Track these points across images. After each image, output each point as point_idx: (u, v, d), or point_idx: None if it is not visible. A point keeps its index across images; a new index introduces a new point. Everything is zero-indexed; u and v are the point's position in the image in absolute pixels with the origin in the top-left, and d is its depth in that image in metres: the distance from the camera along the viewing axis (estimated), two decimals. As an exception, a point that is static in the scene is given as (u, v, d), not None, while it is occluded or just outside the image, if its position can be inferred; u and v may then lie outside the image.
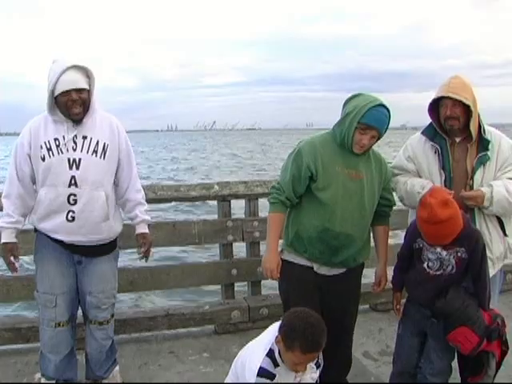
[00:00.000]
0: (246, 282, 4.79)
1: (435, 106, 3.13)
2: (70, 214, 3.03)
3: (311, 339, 2.32)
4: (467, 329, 2.74)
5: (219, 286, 4.74)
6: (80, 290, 3.26)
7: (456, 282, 2.82)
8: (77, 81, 2.98)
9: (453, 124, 3.04)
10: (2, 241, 3.12)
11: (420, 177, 3.26)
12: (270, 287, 5.39)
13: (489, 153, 3.07)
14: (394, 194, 3.32)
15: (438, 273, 2.82)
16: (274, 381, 2.41)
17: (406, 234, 3.05)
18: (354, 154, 2.96)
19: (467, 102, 2.97)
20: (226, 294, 4.66)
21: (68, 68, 2.95)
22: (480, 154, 3.07)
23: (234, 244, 4.64)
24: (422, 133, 3.24)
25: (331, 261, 3.02)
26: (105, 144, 3.12)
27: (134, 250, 3.51)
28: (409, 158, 3.30)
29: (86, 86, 3.04)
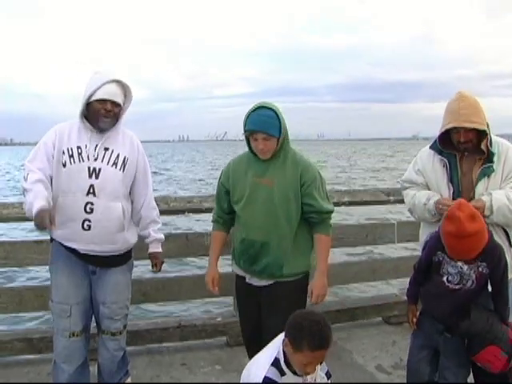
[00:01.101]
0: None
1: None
2: (86, 222, 3.05)
3: (318, 336, 2.32)
4: (495, 347, 2.70)
5: (231, 298, 4.74)
6: (94, 300, 3.27)
7: (474, 298, 2.78)
8: (116, 94, 3.11)
9: (467, 147, 3.05)
10: (38, 207, 2.89)
11: (429, 189, 3.25)
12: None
13: (494, 165, 3.06)
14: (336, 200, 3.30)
15: (457, 287, 2.76)
16: None
17: (424, 247, 2.99)
18: (264, 161, 3.04)
19: (480, 128, 2.98)
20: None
21: (112, 80, 3.09)
22: (484, 166, 3.07)
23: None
24: (431, 147, 3.25)
25: (253, 269, 3.12)
26: (125, 157, 3.18)
27: (146, 261, 3.51)
28: (418, 171, 3.32)
29: (122, 103, 3.17)
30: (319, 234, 3.10)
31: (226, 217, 3.28)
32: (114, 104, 3.11)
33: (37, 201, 2.91)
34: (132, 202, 3.31)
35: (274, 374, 2.42)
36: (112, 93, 3.09)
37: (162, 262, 3.51)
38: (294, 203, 3.02)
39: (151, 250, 3.46)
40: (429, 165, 3.24)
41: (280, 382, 2.40)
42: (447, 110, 3.06)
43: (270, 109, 2.94)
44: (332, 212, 3.13)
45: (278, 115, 2.94)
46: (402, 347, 4.14)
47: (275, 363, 2.45)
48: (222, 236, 3.35)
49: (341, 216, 11.74)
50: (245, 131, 2.98)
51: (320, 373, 2.51)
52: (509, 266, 3.11)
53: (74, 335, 3.18)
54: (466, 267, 2.74)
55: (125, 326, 3.38)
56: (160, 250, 3.49)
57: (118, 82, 3.13)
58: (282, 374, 2.42)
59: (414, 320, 3.10)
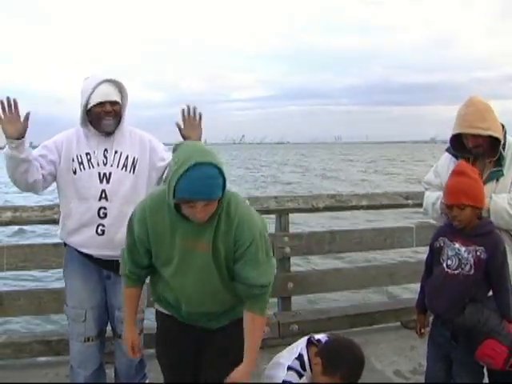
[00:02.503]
0: (276, 298, 4.76)
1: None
2: (100, 227, 3.05)
3: (355, 371, 2.38)
4: (493, 340, 2.66)
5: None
6: (109, 304, 3.27)
7: (472, 288, 2.72)
8: (111, 93, 3.07)
9: (478, 151, 3.05)
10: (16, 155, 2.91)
11: None
12: (301, 303, 5.36)
13: (504, 169, 3.05)
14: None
15: (456, 272, 2.73)
16: (303, 379, 2.45)
17: (430, 241, 2.99)
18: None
19: (484, 134, 2.95)
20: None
21: (103, 81, 3.05)
22: (492, 170, 3.06)
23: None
24: (447, 150, 3.29)
25: (195, 322, 2.56)
26: (134, 158, 3.15)
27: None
28: (436, 172, 3.36)
29: (119, 100, 3.12)
30: (251, 313, 2.39)
31: (142, 272, 2.56)
32: (112, 103, 3.07)
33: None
34: None
35: (296, 366, 2.51)
36: (107, 93, 3.05)
37: None
38: (228, 270, 2.40)
39: None
40: (444, 167, 3.26)
41: (304, 374, 2.47)
42: (457, 115, 3.09)
43: (211, 164, 2.10)
44: (268, 286, 2.38)
45: (220, 170, 2.14)
46: (421, 352, 4.09)
47: (299, 358, 2.55)
48: (137, 292, 2.63)
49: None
50: (173, 197, 2.14)
51: None
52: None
53: (88, 340, 3.19)
54: (463, 249, 2.72)
55: (141, 330, 3.32)
56: None
57: (109, 81, 3.09)
58: (304, 369, 2.50)
59: (422, 330, 3.06)
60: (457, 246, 2.75)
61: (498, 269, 2.71)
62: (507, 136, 3.10)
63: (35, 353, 4.09)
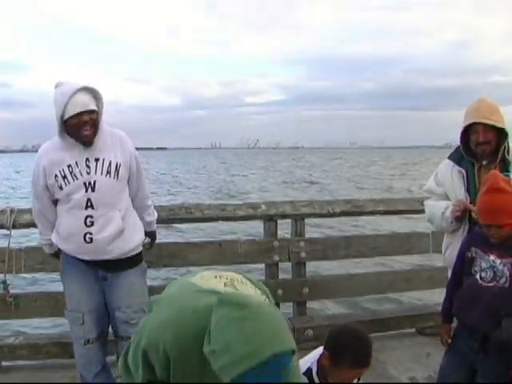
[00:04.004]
0: (291, 303, 4.76)
1: (464, 132, 3.15)
2: (88, 235, 3.08)
3: (361, 355, 2.29)
4: None
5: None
6: (109, 306, 3.30)
7: (507, 301, 2.64)
8: (87, 103, 2.99)
9: (484, 149, 3.06)
10: (48, 251, 3.41)
11: (448, 200, 3.27)
12: (316, 309, 5.35)
13: (511, 174, 3.04)
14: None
15: (491, 284, 2.65)
16: None
17: (458, 252, 2.93)
18: None
19: (499, 125, 3.00)
20: (271, 314, 4.62)
21: (78, 90, 2.96)
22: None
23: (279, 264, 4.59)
24: (449, 157, 3.29)
25: None
26: (117, 164, 3.17)
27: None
28: (438, 181, 3.36)
29: (96, 108, 3.05)
30: None
31: None
32: (90, 112, 3.00)
33: (44, 248, 3.42)
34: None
35: None
36: (83, 103, 2.97)
37: (154, 240, 3.71)
38: None
39: (147, 229, 3.52)
40: (447, 175, 3.27)
41: None
42: (467, 110, 3.13)
43: (288, 352, 1.57)
44: None
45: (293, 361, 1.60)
46: (437, 359, 4.04)
47: (307, 372, 2.44)
48: None
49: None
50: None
51: None
52: None
53: (88, 342, 3.23)
54: (498, 262, 2.63)
55: None
56: (153, 228, 3.64)
57: (84, 89, 3.00)
58: None
59: (449, 341, 2.97)
60: (492, 258, 2.66)
61: None
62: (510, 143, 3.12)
63: (51, 355, 4.14)
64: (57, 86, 3.04)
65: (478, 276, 2.70)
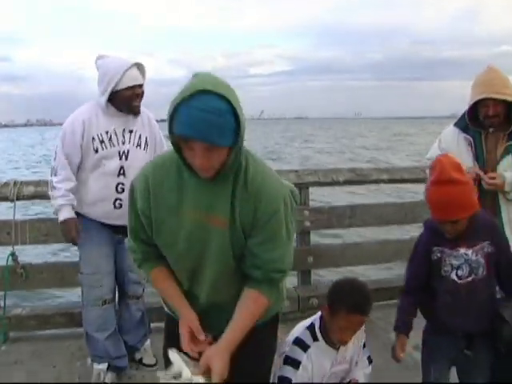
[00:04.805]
0: (295, 272, 4.78)
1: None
2: (118, 201, 3.26)
3: (357, 299, 2.33)
4: None
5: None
6: (120, 268, 3.50)
7: (491, 289, 2.50)
8: (139, 77, 3.28)
9: (494, 121, 3.02)
10: (64, 217, 3.27)
11: None
12: (321, 277, 5.36)
13: None
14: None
15: (470, 279, 2.41)
16: (309, 353, 2.40)
17: (414, 253, 2.61)
18: (206, 184, 1.82)
19: (510, 99, 2.95)
20: (276, 283, 4.65)
21: (132, 65, 3.24)
22: (508, 143, 3.04)
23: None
24: (455, 124, 3.24)
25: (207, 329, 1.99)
26: (146, 138, 3.40)
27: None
28: (443, 149, 3.25)
29: (143, 82, 3.32)
30: (257, 292, 1.93)
31: (156, 250, 2.03)
32: (140, 86, 3.28)
33: (62, 212, 3.26)
34: None
35: (306, 337, 2.45)
36: (136, 77, 3.25)
37: None
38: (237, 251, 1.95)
39: None
40: (453, 143, 3.21)
41: (309, 344, 2.42)
42: (477, 82, 3.05)
43: (219, 95, 1.63)
44: (286, 272, 1.99)
45: (233, 106, 1.66)
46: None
47: (310, 327, 2.49)
48: (166, 272, 2.05)
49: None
50: (170, 133, 1.72)
51: (355, 349, 2.51)
52: None
53: (105, 303, 3.38)
54: (470, 252, 2.40)
55: (143, 289, 3.66)
56: None
57: (136, 64, 3.28)
58: (315, 339, 2.44)
59: (402, 356, 2.52)
60: (462, 251, 2.41)
61: (507, 253, 2.51)
62: None
63: (59, 325, 4.21)
64: (100, 58, 3.29)
65: (453, 276, 2.43)
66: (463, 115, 3.18)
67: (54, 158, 3.29)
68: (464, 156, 3.10)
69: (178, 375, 1.77)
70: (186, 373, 1.76)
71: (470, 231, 2.39)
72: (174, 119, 1.65)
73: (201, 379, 1.75)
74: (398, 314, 2.61)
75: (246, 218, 1.85)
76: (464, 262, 2.40)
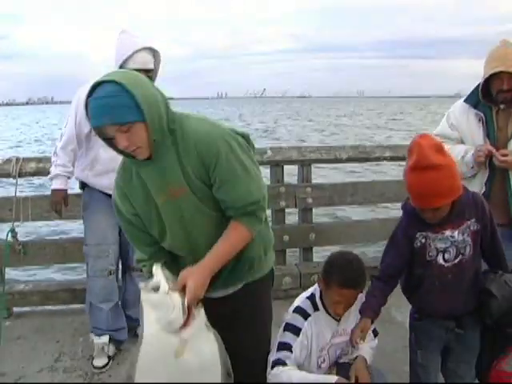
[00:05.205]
0: (297, 249, 4.79)
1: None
2: None
3: (348, 274, 2.35)
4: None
5: (271, 252, 4.75)
6: (123, 240, 3.48)
7: (477, 266, 2.40)
8: (147, 62, 3.25)
9: (506, 96, 2.94)
10: (56, 187, 3.38)
11: (463, 144, 3.14)
12: (322, 254, 5.37)
13: None
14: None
15: (457, 260, 2.31)
16: (309, 321, 2.44)
17: (392, 240, 2.48)
18: (153, 164, 1.95)
19: None
20: (278, 260, 4.65)
21: (142, 49, 3.22)
22: None
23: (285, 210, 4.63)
24: (465, 100, 3.15)
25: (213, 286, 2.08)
26: None
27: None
28: (452, 125, 3.20)
29: (152, 67, 3.30)
30: (237, 222, 2.03)
31: (159, 251, 2.17)
32: (147, 71, 3.18)
33: (56, 181, 3.38)
34: None
35: (306, 306, 2.49)
36: (144, 61, 3.22)
37: None
38: (209, 201, 2.05)
39: None
40: (463, 119, 3.14)
41: (310, 312, 2.45)
42: (492, 55, 2.99)
43: (110, 82, 1.81)
44: (260, 201, 2.03)
45: (126, 88, 1.80)
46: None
47: (311, 297, 2.53)
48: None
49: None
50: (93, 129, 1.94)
51: (356, 322, 2.50)
52: None
53: (111, 273, 3.44)
54: (456, 233, 2.28)
55: None
56: None
57: (147, 49, 3.25)
58: (316, 308, 2.48)
59: (359, 340, 2.39)
60: (448, 233, 2.28)
61: (494, 232, 2.40)
62: None
63: (61, 301, 4.23)
64: (121, 33, 3.29)
65: (440, 261, 2.32)
66: (474, 91, 3.10)
67: (65, 125, 3.36)
68: (475, 132, 3.07)
69: (157, 288, 1.86)
70: (164, 287, 1.86)
71: (454, 212, 2.26)
72: (90, 118, 1.86)
73: (177, 295, 1.85)
74: (367, 301, 2.46)
75: (199, 172, 1.96)
76: (451, 245, 2.29)
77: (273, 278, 2.45)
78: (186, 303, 1.85)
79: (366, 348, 2.54)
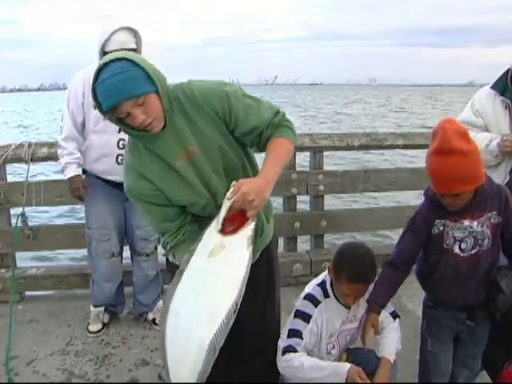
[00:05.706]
0: (308, 236, 4.78)
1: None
2: (120, 157, 3.31)
3: (357, 269, 2.33)
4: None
5: (282, 239, 4.74)
6: (129, 225, 3.66)
7: (495, 259, 2.36)
8: (127, 41, 3.23)
9: None
10: (71, 175, 3.43)
11: (488, 132, 3.07)
12: (333, 241, 5.35)
13: None
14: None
15: (474, 251, 2.27)
16: (320, 308, 2.44)
17: (411, 224, 2.42)
18: (166, 134, 1.97)
19: None
20: (289, 246, 4.67)
21: (119, 29, 3.21)
22: None
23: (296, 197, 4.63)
24: (492, 87, 3.07)
25: None
26: None
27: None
28: (477, 112, 3.12)
29: (134, 46, 3.26)
30: (275, 138, 2.06)
31: (183, 222, 2.14)
32: (129, 50, 3.06)
33: (68, 170, 3.44)
34: None
35: (317, 293, 2.49)
36: (123, 41, 3.20)
37: None
38: (230, 150, 2.09)
39: None
40: (489, 106, 3.06)
41: (320, 299, 2.46)
42: None
43: (118, 60, 1.82)
44: (280, 113, 2.10)
45: (135, 62, 1.83)
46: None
47: (321, 284, 2.52)
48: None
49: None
50: (103, 114, 1.92)
51: (363, 306, 2.50)
52: None
53: (113, 256, 3.58)
54: (475, 223, 2.24)
55: (156, 248, 3.73)
56: None
57: (125, 28, 3.23)
58: (326, 295, 2.48)
59: (373, 333, 2.42)
60: (466, 223, 2.24)
61: None
62: None
63: (72, 285, 4.28)
64: (105, 17, 3.32)
65: (457, 250, 2.28)
66: (501, 77, 3.03)
67: (62, 119, 3.43)
68: (500, 119, 3.00)
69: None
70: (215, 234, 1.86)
71: (475, 202, 2.21)
72: (100, 105, 1.86)
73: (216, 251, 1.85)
74: (374, 292, 2.43)
75: (214, 123, 2.02)
76: (468, 235, 2.26)
77: (277, 241, 2.54)
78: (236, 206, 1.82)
79: (390, 347, 2.47)
